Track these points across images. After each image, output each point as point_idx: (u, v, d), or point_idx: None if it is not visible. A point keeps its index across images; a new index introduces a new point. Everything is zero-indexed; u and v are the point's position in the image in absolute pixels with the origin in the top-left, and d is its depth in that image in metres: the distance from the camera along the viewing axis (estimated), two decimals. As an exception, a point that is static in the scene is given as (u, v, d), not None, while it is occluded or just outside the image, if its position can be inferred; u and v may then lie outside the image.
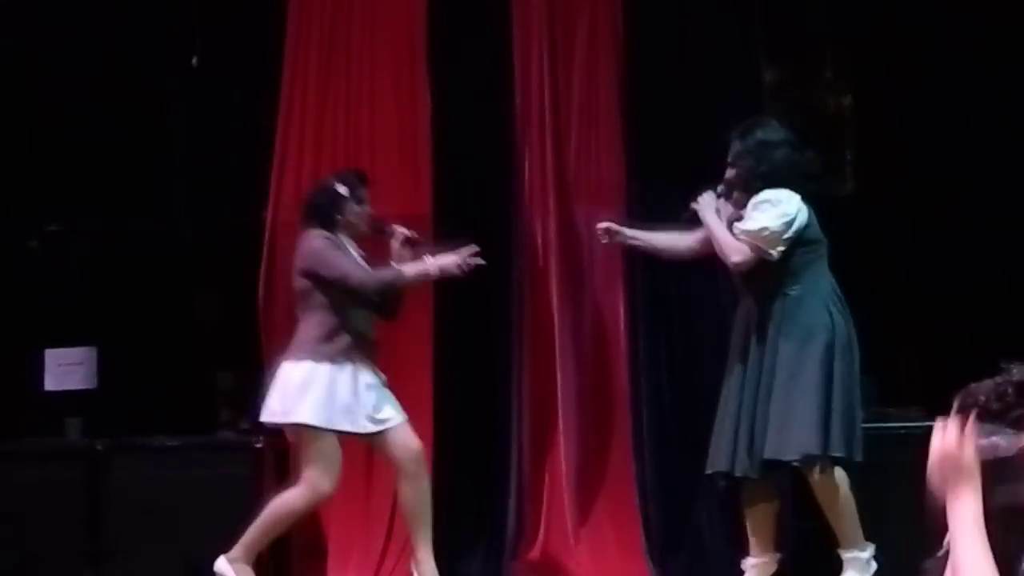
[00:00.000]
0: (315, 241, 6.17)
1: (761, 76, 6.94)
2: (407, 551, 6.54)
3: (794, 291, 5.95)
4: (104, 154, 7.23)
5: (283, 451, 6.77)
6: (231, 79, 7.22)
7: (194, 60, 7.32)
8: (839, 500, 5.92)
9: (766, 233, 5.90)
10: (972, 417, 2.75)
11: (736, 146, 6.05)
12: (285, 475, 6.69)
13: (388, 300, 6.29)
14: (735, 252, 5.96)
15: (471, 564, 6.75)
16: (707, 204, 6.08)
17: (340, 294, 6.11)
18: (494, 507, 6.79)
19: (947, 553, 2.78)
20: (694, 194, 6.09)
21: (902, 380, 6.38)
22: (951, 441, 2.75)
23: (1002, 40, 6.94)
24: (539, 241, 6.84)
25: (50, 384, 6.86)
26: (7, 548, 6.48)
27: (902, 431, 6.23)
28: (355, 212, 6.25)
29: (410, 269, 6.14)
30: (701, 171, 6.25)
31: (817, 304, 5.95)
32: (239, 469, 6.59)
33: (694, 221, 6.12)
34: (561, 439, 6.76)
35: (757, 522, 6.09)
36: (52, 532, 6.54)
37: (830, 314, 5.94)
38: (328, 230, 6.21)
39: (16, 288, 7.18)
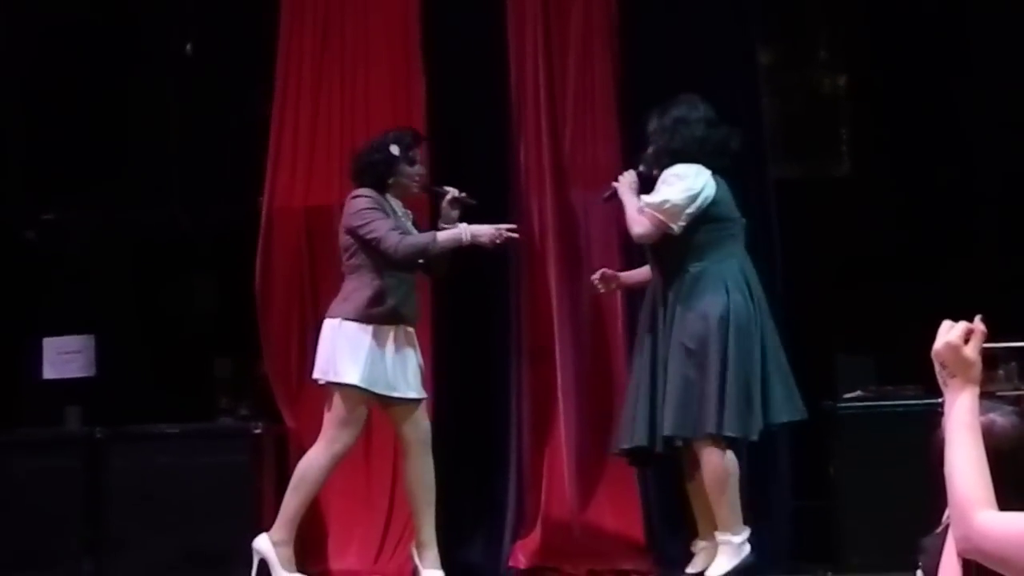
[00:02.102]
0: (359, 200, 6.19)
1: (756, 57, 6.94)
2: (406, 537, 6.55)
3: (695, 268, 6.01)
4: (100, 143, 7.23)
5: (282, 437, 6.79)
6: (226, 67, 7.21)
7: (188, 47, 7.32)
8: (725, 482, 5.96)
9: (667, 206, 5.97)
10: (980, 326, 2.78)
11: (653, 123, 6.13)
12: (285, 461, 6.72)
13: (433, 260, 6.30)
14: (637, 224, 6.06)
15: (471, 548, 6.76)
16: (626, 183, 6.17)
17: (382, 256, 6.14)
18: (494, 491, 6.78)
19: (946, 528, 2.79)
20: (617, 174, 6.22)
21: (899, 359, 6.37)
22: (958, 333, 2.77)
23: (995, 19, 6.93)
24: (536, 226, 6.83)
25: (49, 373, 6.85)
26: (7, 537, 6.47)
27: (900, 409, 6.26)
28: (406, 173, 6.28)
29: (444, 235, 6.17)
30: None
31: (716, 283, 5.97)
32: (238, 456, 6.59)
33: (613, 198, 6.21)
34: (561, 423, 6.75)
35: (699, 503, 6.13)
36: (52, 521, 6.53)
37: (727, 293, 5.96)
38: (377, 190, 6.23)
39: (13, 277, 7.17)
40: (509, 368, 6.82)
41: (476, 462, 6.79)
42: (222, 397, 6.87)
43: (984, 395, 2.84)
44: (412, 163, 6.29)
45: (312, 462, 6.16)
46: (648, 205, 5.99)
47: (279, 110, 6.91)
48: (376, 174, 6.25)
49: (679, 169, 6.00)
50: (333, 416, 6.12)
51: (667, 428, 5.93)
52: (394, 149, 6.26)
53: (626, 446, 6.12)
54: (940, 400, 2.86)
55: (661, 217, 5.96)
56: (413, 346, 6.22)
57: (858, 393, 6.48)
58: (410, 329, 6.22)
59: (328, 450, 6.14)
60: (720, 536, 5.97)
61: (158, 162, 7.31)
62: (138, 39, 7.38)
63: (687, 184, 5.96)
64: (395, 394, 6.15)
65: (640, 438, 6.02)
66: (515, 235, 6.25)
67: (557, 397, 6.76)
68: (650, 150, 6.14)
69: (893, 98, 7.13)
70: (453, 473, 6.42)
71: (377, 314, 6.12)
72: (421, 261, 6.24)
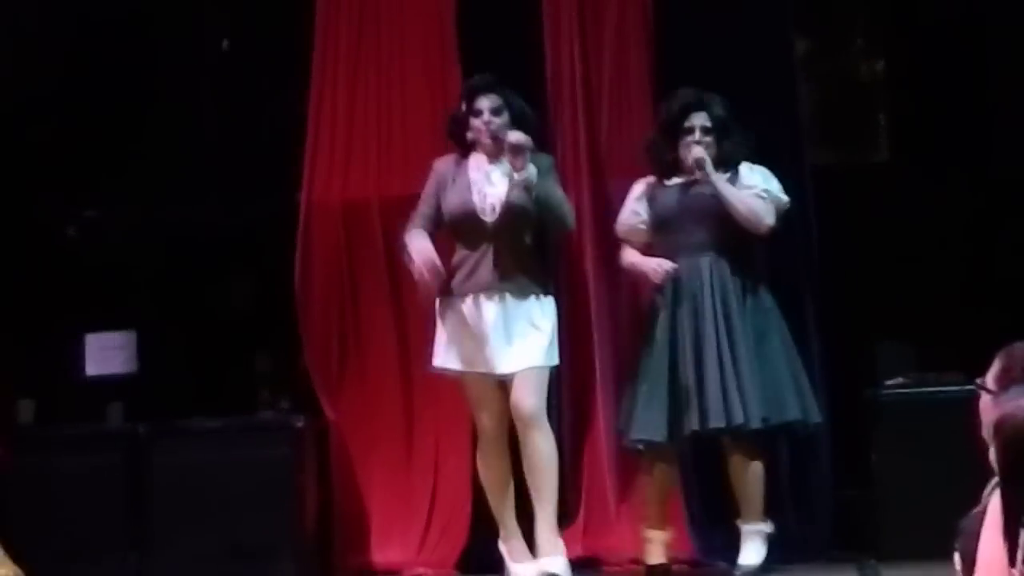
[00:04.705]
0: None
1: (792, 45, 6.91)
2: (450, 529, 6.57)
3: (757, 266, 6.16)
4: (138, 139, 7.25)
5: (323, 431, 6.79)
6: (262, 62, 7.23)
7: (224, 43, 7.34)
8: (762, 471, 6.07)
9: (782, 202, 6.10)
10: None
11: (719, 118, 6.14)
12: (326, 454, 6.73)
13: (546, 215, 5.96)
14: (769, 215, 6.10)
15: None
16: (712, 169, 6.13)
17: (449, 225, 6.01)
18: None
19: (984, 509, 2.78)
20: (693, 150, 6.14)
21: (939, 345, 6.37)
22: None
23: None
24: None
25: (91, 369, 6.88)
26: (51, 534, 6.50)
27: (940, 396, 6.23)
28: (474, 127, 6.01)
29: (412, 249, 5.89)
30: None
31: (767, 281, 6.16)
32: (280, 450, 6.58)
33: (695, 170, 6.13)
34: (600, 414, 6.75)
35: (664, 492, 6.16)
36: (96, 516, 6.57)
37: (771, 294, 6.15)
38: (462, 151, 6.05)
39: (55, 274, 7.21)
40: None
41: (516, 453, 6.77)
42: (263, 391, 6.88)
43: None
44: (476, 114, 6.01)
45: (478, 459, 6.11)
46: (773, 198, 6.11)
47: (316, 104, 6.92)
48: (453, 135, 6.11)
49: (761, 167, 6.14)
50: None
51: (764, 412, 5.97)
52: (463, 104, 6.08)
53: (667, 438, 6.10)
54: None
55: (779, 209, 6.10)
56: (497, 318, 5.88)
57: (899, 380, 6.45)
58: (491, 301, 5.89)
59: (478, 441, 6.09)
60: (753, 526, 6.08)
61: (196, 158, 7.33)
62: (174, 35, 7.39)
63: (776, 182, 6.15)
64: (467, 368, 5.96)
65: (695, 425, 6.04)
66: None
67: (596, 390, 6.75)
68: (727, 145, 6.13)
69: (931, 83, 7.10)
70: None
71: (451, 287, 5.95)
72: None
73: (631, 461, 6.72)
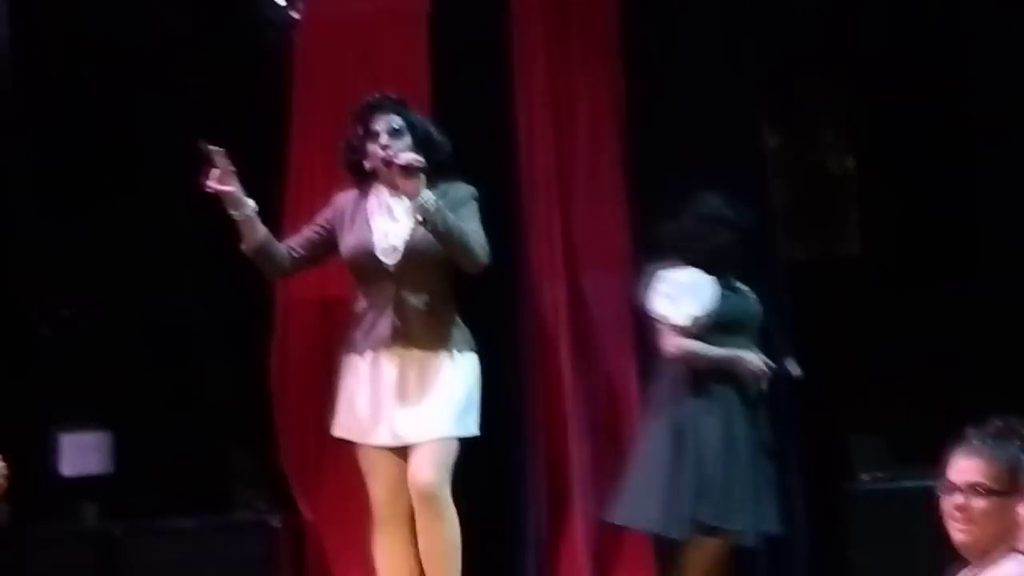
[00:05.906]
0: None
1: (764, 140, 6.97)
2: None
3: None
4: (113, 237, 7.24)
5: (300, 530, 6.76)
6: (239, 152, 7.22)
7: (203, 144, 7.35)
8: None
9: None
10: None
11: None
12: (302, 554, 6.70)
13: (448, 248, 5.24)
14: None
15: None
16: None
17: (349, 269, 5.52)
18: (511, 563, 6.76)
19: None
20: None
21: (912, 439, 6.39)
22: None
23: (1002, 94, 6.96)
24: (548, 308, 6.83)
25: (66, 470, 6.86)
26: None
27: (918, 489, 6.22)
28: (369, 152, 5.36)
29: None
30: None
31: None
32: (256, 548, 6.55)
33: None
34: (577, 505, 6.74)
35: None
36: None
37: None
38: (358, 183, 5.46)
39: (29, 372, 7.18)
40: (525, 450, 6.78)
41: (496, 538, 6.75)
42: (239, 489, 6.86)
43: None
44: (373, 137, 5.32)
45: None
46: None
47: (293, 198, 6.90)
48: (349, 163, 5.43)
49: None
50: None
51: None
52: (358, 127, 5.36)
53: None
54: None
55: None
56: (399, 378, 5.36)
57: (875, 474, 6.47)
58: (393, 359, 5.34)
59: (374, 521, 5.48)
60: None
61: (172, 253, 7.32)
62: (149, 124, 7.40)
63: None
64: (368, 442, 5.51)
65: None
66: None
67: (571, 478, 6.73)
68: None
69: (902, 178, 7.17)
70: (476, 550, 6.36)
71: (349, 342, 5.51)
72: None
73: (607, 549, 6.73)
